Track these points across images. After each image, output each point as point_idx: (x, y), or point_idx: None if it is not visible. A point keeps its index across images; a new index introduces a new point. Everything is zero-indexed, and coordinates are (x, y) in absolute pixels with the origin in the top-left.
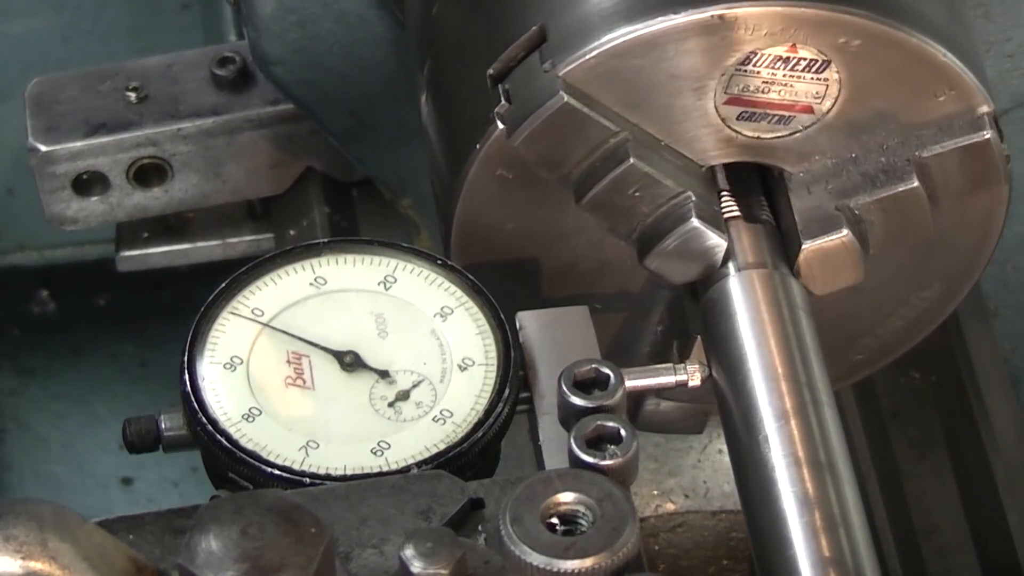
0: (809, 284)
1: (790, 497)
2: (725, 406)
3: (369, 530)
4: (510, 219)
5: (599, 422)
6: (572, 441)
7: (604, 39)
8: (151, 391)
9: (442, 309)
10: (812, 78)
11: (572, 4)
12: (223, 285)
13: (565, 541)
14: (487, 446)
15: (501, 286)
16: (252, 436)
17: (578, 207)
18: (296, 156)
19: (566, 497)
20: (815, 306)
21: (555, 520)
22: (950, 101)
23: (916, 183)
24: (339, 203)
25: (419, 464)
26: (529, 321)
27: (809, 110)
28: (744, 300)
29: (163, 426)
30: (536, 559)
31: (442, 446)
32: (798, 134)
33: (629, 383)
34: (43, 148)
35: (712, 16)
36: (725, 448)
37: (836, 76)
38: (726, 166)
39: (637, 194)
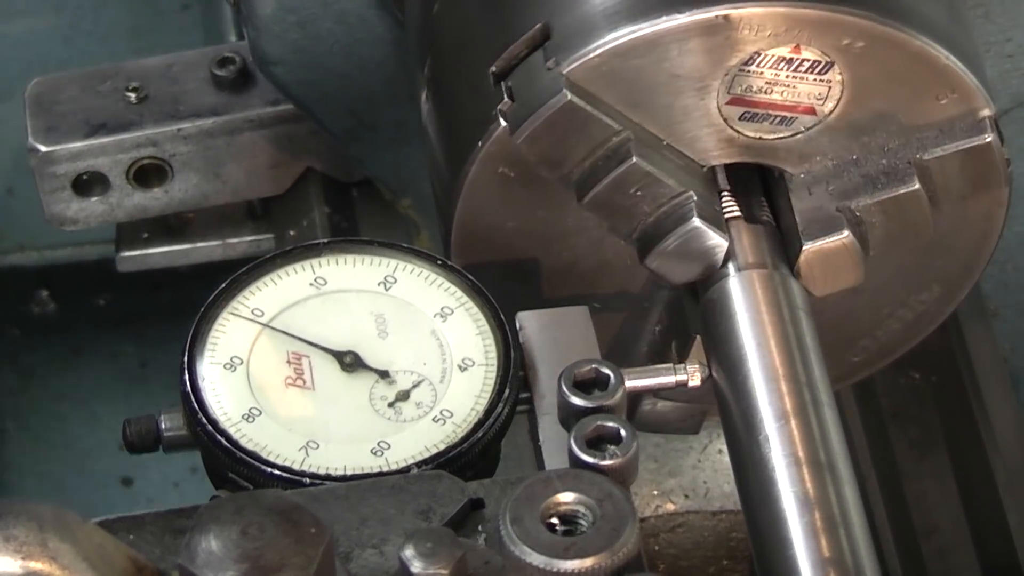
0: (809, 285)
1: (790, 497)
2: (725, 406)
3: (369, 530)
4: (511, 218)
5: (599, 422)
6: (572, 441)
7: (607, 38)
8: (151, 391)
9: (442, 309)
10: (815, 79)
11: (575, 3)
12: (223, 285)
13: (565, 541)
14: (487, 446)
15: (501, 286)
16: (252, 436)
17: (579, 206)
18: (296, 156)
19: (566, 497)
20: (814, 307)
21: (555, 520)
22: (952, 104)
23: (917, 185)
24: (339, 203)
25: (419, 464)
26: (529, 321)
27: (811, 111)
28: (744, 300)
29: (163, 426)
30: (536, 559)
31: (442, 446)
32: (800, 135)
33: (629, 383)
34: (43, 148)
35: (716, 16)
36: (725, 448)
37: (839, 77)
38: (727, 166)
39: (638, 193)
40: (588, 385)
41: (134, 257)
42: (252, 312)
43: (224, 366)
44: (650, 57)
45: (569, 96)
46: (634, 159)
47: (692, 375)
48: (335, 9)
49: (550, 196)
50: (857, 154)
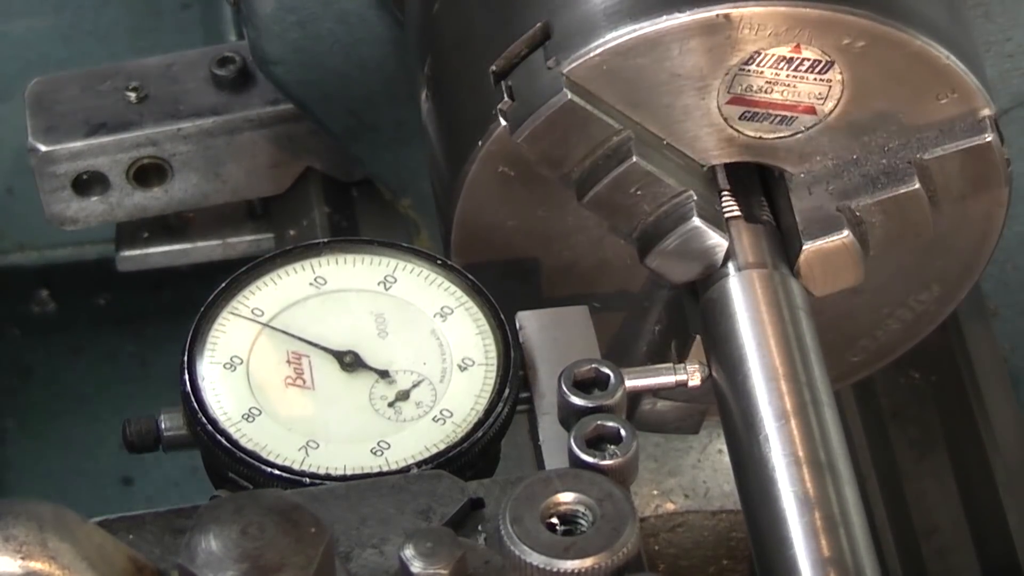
0: (809, 285)
1: (790, 497)
2: (725, 406)
3: (369, 530)
4: (511, 217)
5: (599, 422)
6: (572, 441)
7: (608, 37)
8: (151, 391)
9: (442, 309)
10: (815, 79)
11: (575, 2)
12: (223, 285)
13: (565, 541)
14: (487, 446)
15: (501, 286)
16: (252, 436)
17: (579, 205)
18: (296, 156)
19: (566, 497)
20: (814, 307)
21: (555, 520)
22: (952, 103)
23: (917, 185)
24: (339, 203)
25: (419, 464)
26: (529, 321)
27: (811, 111)
28: (744, 300)
29: (163, 426)
30: (536, 559)
31: (442, 446)
32: (800, 135)
33: (629, 383)
34: (43, 148)
35: (717, 15)
36: (725, 448)
37: (839, 77)
38: (727, 166)
39: (638, 193)
40: (588, 385)
41: (134, 257)
42: (252, 312)
43: (224, 366)
44: (650, 56)
45: (569, 95)
46: (634, 158)
47: (692, 375)
48: (335, 9)
49: (550, 195)
50: (857, 154)
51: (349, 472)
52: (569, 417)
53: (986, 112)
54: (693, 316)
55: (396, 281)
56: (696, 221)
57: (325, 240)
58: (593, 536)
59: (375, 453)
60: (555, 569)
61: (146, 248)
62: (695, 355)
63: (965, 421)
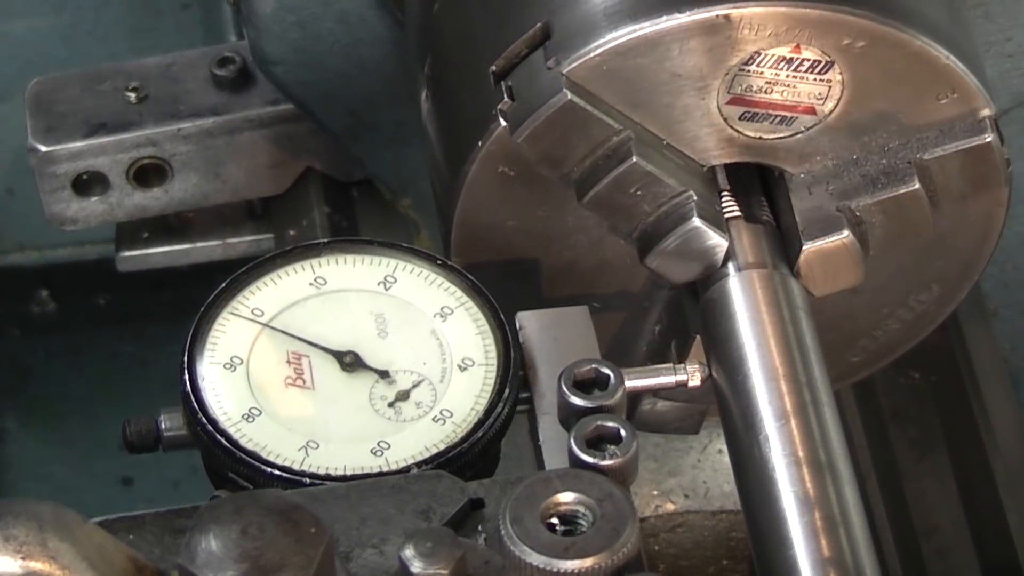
0: (809, 285)
1: (790, 497)
2: (725, 406)
3: (369, 530)
4: (511, 217)
5: (599, 422)
6: (572, 441)
7: (608, 37)
8: (151, 391)
9: (442, 309)
10: (815, 79)
11: (575, 2)
12: (223, 285)
13: (565, 541)
14: (487, 446)
15: (501, 286)
16: (252, 436)
17: (579, 205)
18: (296, 156)
19: (566, 497)
20: (814, 307)
21: (555, 520)
22: (952, 104)
23: (917, 185)
24: (339, 203)
25: (419, 464)
26: (529, 321)
27: (811, 111)
28: (744, 300)
29: (163, 426)
30: (536, 559)
31: (442, 446)
32: (800, 135)
33: (629, 383)
34: (43, 148)
35: (717, 16)
36: (725, 448)
37: (839, 77)
38: (727, 166)
39: (638, 193)
40: (588, 385)
41: (134, 257)
42: (252, 312)
43: (224, 366)
44: (651, 56)
45: (569, 95)
46: (634, 158)
47: (692, 375)
48: (335, 9)
49: (550, 195)
50: (857, 154)
51: (349, 472)
52: (569, 417)
53: (986, 112)
54: (693, 316)
55: (396, 281)
56: (696, 221)
57: (325, 240)
58: (593, 536)
59: (375, 453)
60: (555, 569)
61: (146, 248)
62: (695, 355)
63: (965, 421)
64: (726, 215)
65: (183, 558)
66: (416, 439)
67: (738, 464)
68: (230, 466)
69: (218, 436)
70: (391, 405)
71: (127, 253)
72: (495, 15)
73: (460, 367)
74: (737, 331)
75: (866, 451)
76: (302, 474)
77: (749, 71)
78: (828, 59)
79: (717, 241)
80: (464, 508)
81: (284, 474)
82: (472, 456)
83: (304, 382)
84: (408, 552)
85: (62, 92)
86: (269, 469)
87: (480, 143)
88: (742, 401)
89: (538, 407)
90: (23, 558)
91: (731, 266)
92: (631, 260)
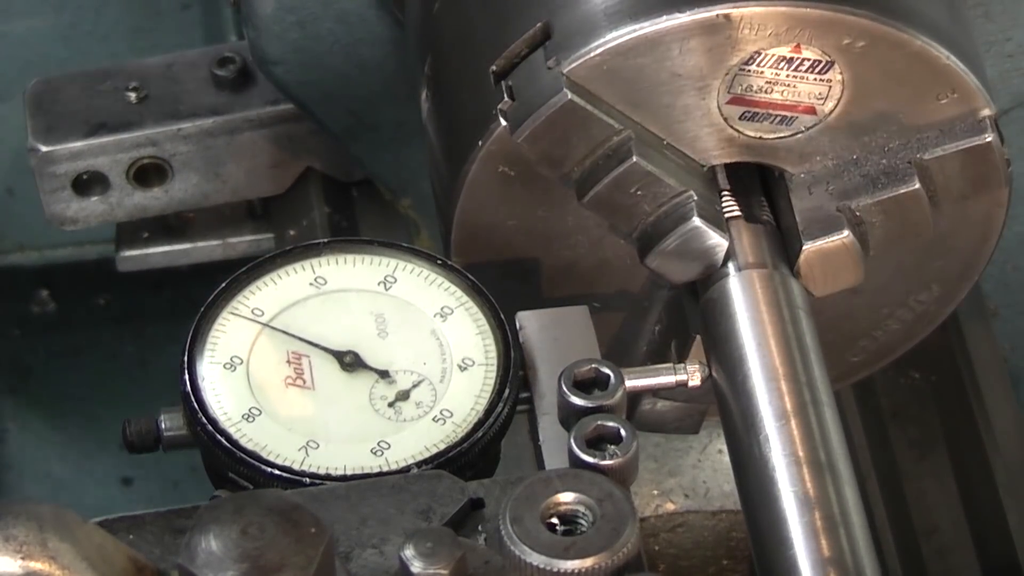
0: (809, 285)
1: (790, 497)
2: (725, 406)
3: (369, 530)
4: (511, 216)
5: (599, 422)
6: (572, 441)
7: (608, 37)
8: (151, 391)
9: (442, 309)
10: (815, 79)
11: (576, 2)
12: (223, 285)
13: (565, 541)
14: (487, 446)
15: (501, 286)
16: (252, 436)
17: (579, 205)
18: (296, 156)
19: (566, 497)
20: (813, 308)
21: (555, 520)
22: (952, 104)
23: (917, 185)
24: (339, 203)
25: (419, 464)
26: (529, 321)
27: (811, 111)
28: (744, 300)
29: (163, 426)
30: (536, 559)
31: (442, 446)
32: (800, 135)
33: (629, 383)
34: (43, 148)
35: (717, 15)
36: (725, 448)
37: (839, 77)
38: (727, 166)
39: (639, 192)
40: (588, 385)
41: (134, 257)
42: (252, 312)
43: (224, 366)
44: (651, 56)
45: (570, 95)
46: (634, 158)
47: (692, 375)
48: (335, 9)
49: (550, 195)
50: (857, 154)
51: (349, 472)
52: (569, 417)
53: (986, 112)
54: (693, 316)
55: (396, 281)
56: (696, 221)
57: (325, 240)
58: (593, 536)
59: (375, 453)
60: (555, 569)
61: (146, 248)
62: (695, 355)
63: (965, 421)
64: (726, 215)
65: (183, 558)
66: (416, 439)
67: (738, 464)
68: (230, 466)
69: (218, 436)
70: (391, 405)
71: (127, 253)
72: (495, 15)
73: (460, 367)
74: (737, 331)
75: (866, 451)
76: (302, 474)
77: (749, 71)
78: (828, 59)
79: (717, 241)
80: (464, 508)
81: (284, 474)
82: (472, 456)
83: (304, 382)
84: (408, 552)
85: (62, 92)
86: (269, 469)
87: (480, 143)
88: (742, 401)
89: (538, 407)
90: (23, 558)
91: (731, 266)
92: (631, 260)
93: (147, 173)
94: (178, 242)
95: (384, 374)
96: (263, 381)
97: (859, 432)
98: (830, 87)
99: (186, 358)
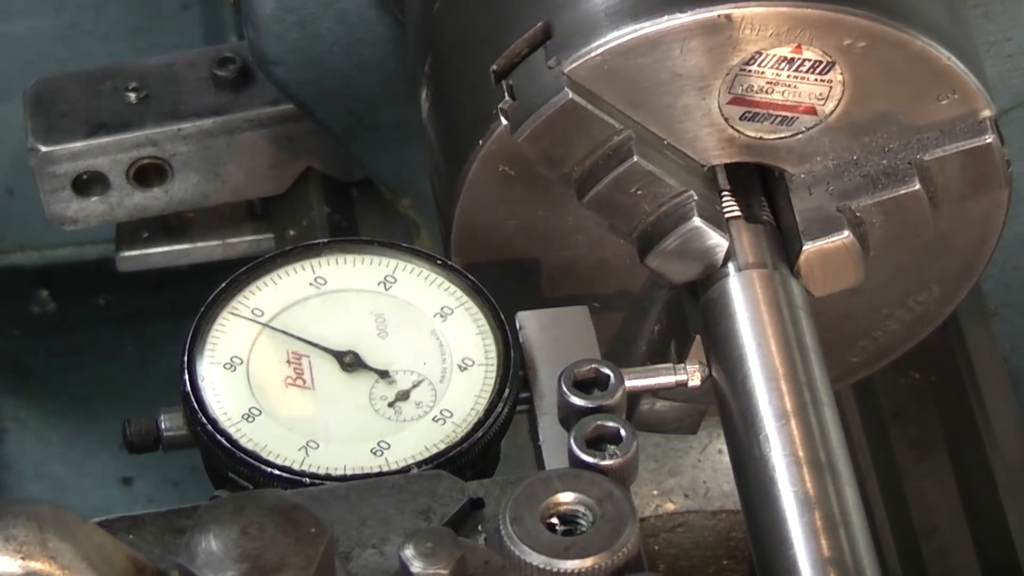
0: (809, 285)
1: (790, 497)
2: (725, 406)
3: (369, 530)
4: (511, 216)
5: (599, 422)
6: (572, 441)
7: (609, 37)
8: (151, 391)
9: (442, 309)
10: (816, 79)
11: (576, 1)
12: (223, 285)
13: (565, 541)
14: (487, 446)
15: (501, 285)
16: (252, 436)
17: (580, 205)
18: (296, 156)
19: (566, 497)
20: (813, 308)
21: (555, 520)
22: (952, 104)
23: (917, 186)
24: (339, 203)
25: (419, 464)
26: (529, 321)
27: (812, 111)
28: (744, 300)
29: (163, 426)
30: (536, 559)
31: (442, 446)
32: (800, 135)
33: (629, 383)
34: (43, 148)
35: (718, 15)
36: (725, 448)
37: (840, 78)
38: (727, 166)
39: (639, 192)
40: (588, 385)
41: (134, 257)
42: (252, 312)
43: (224, 366)
44: (652, 56)
45: (570, 95)
46: (635, 158)
47: (692, 375)
48: (335, 9)
49: (550, 195)
50: (858, 154)
51: (349, 472)
52: (569, 417)
53: (986, 113)
54: (693, 316)
55: (396, 281)
56: (696, 221)
57: (325, 240)
58: (593, 536)
59: (375, 453)
60: (555, 569)
61: (146, 248)
62: (695, 355)
63: (965, 421)
64: (726, 215)
65: (183, 558)
66: (416, 439)
67: (738, 464)
68: (230, 466)
69: (218, 436)
70: (391, 405)
71: (127, 253)
72: (495, 14)
73: (460, 367)
74: (737, 331)
75: (866, 451)
76: (302, 474)
77: (750, 71)
78: (829, 59)
79: (717, 241)
80: (464, 508)
81: (284, 474)
82: (472, 456)
83: (304, 382)
84: (408, 552)
85: (62, 92)
86: (269, 469)
87: (480, 142)
88: (742, 401)
89: (538, 407)
90: (23, 558)
91: (731, 266)
92: (631, 260)
93: (147, 173)
94: (178, 242)
95: (384, 374)
96: (263, 381)
97: (859, 432)
98: (831, 87)
99: (186, 358)
